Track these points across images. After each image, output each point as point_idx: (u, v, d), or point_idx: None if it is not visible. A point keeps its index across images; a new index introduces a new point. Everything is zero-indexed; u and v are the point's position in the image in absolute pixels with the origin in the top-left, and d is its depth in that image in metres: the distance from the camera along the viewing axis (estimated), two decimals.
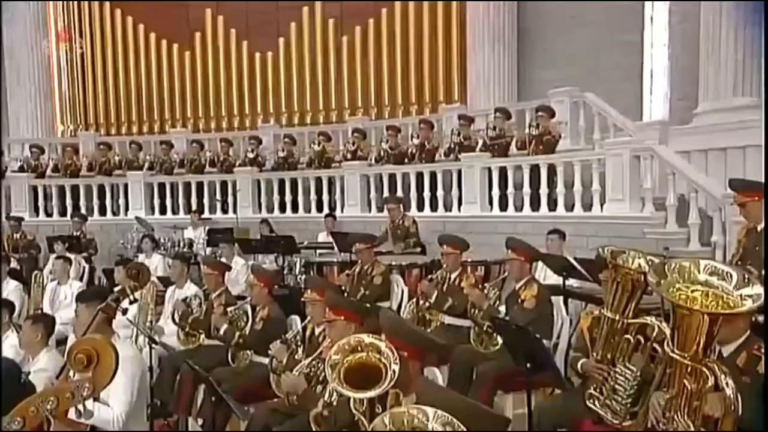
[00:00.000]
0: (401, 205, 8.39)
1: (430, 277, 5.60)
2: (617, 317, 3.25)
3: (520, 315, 4.52)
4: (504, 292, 5.04)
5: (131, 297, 3.21)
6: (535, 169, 8.38)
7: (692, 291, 2.51)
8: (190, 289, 6.06)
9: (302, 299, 4.31)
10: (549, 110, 8.65)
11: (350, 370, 2.47)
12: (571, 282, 5.43)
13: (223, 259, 7.05)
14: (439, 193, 9.49)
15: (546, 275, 6.13)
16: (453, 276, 5.51)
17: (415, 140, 9.99)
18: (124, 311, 3.23)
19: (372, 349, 2.50)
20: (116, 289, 6.13)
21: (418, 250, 8.21)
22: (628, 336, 3.20)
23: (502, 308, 4.87)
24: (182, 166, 11.99)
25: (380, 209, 9.99)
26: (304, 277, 8.36)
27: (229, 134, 13.11)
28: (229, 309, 5.04)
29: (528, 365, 3.10)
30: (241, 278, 7.40)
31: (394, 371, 2.37)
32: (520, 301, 4.63)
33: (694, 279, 2.53)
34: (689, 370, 2.50)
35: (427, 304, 5.55)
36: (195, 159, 11.88)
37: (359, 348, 2.51)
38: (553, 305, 4.65)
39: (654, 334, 3.07)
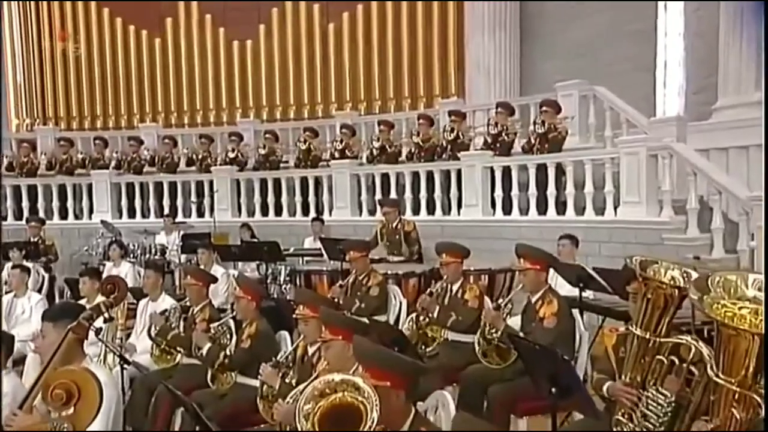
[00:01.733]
0: (398, 209, 8.26)
1: (430, 290, 5.48)
2: (648, 336, 3.17)
3: (540, 335, 4.40)
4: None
5: (106, 315, 3.08)
6: (541, 169, 8.36)
7: (740, 308, 2.44)
8: (165, 301, 5.90)
9: (294, 316, 4.18)
10: (555, 105, 8.62)
11: (326, 415, 2.37)
12: (586, 293, 5.38)
13: (201, 267, 6.89)
14: (437, 194, 9.44)
15: (556, 284, 6.05)
16: (455, 287, 5.41)
17: (415, 138, 9.91)
18: (98, 331, 3.10)
19: (347, 387, 2.39)
20: (84, 302, 6.23)
21: (417, 257, 8.12)
22: (660, 357, 3.11)
23: (515, 320, 4.77)
24: (153, 165, 11.89)
25: (372, 212, 9.98)
26: (289, 287, 8.37)
27: (205, 130, 13.08)
28: (212, 325, 4.90)
29: (552, 390, 3.02)
30: (221, 289, 7.26)
31: (375, 408, 2.27)
32: (538, 318, 4.53)
33: (742, 295, 2.47)
34: (737, 397, 2.43)
35: (428, 319, 5.44)
36: (167, 157, 11.81)
37: (330, 390, 2.40)
38: (574, 321, 4.56)
39: (690, 355, 2.99)
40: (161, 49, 14.51)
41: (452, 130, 9.44)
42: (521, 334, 4.38)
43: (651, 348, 3.17)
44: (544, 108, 8.53)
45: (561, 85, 9.38)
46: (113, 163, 12.10)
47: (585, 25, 11.17)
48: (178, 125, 14.17)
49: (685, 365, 3.03)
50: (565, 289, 5.68)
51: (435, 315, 5.35)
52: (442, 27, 13.07)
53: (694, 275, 2.94)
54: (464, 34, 12.58)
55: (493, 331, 4.76)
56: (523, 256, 4.68)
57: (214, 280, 5.84)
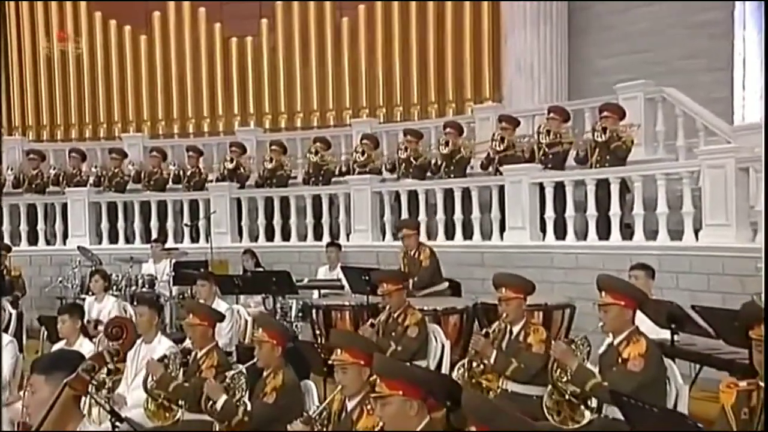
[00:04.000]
0: (418, 232, 8.21)
1: (485, 331, 5.36)
2: None
3: (621, 379, 4.22)
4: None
5: (111, 366, 2.88)
6: (602, 186, 8.20)
7: None
8: (162, 343, 5.76)
9: (331, 362, 3.99)
10: (619, 110, 8.49)
11: None
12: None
13: (202, 302, 6.72)
14: (475, 215, 9.33)
15: None
16: (516, 329, 5.29)
17: (443, 148, 9.78)
18: (102, 386, 2.89)
19: None
20: (64, 344, 6.05)
21: (440, 288, 7.97)
22: None
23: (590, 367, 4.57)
24: (138, 181, 11.85)
25: (396, 236, 9.72)
26: (301, 325, 8.27)
27: (199, 141, 13.00)
28: (227, 374, 4.70)
29: None
30: (224, 328, 7.06)
31: None
32: (620, 360, 4.32)
33: None
34: None
35: (482, 366, 5.30)
36: (155, 172, 11.74)
37: None
38: (666, 368, 4.33)
39: None
40: (147, 48, 14.42)
41: (502, 140, 9.32)
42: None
43: None
44: (605, 113, 8.39)
45: (623, 86, 9.23)
46: (92, 180, 12.06)
47: (646, 16, 11.05)
48: (166, 135, 14.08)
49: None
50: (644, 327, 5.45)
51: (492, 361, 5.17)
52: (476, 20, 12.93)
53: None
54: (501, 28, 12.48)
55: (564, 378, 4.57)
56: (606, 290, 4.50)
57: (221, 318, 5.75)
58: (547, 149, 8.87)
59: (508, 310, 5.28)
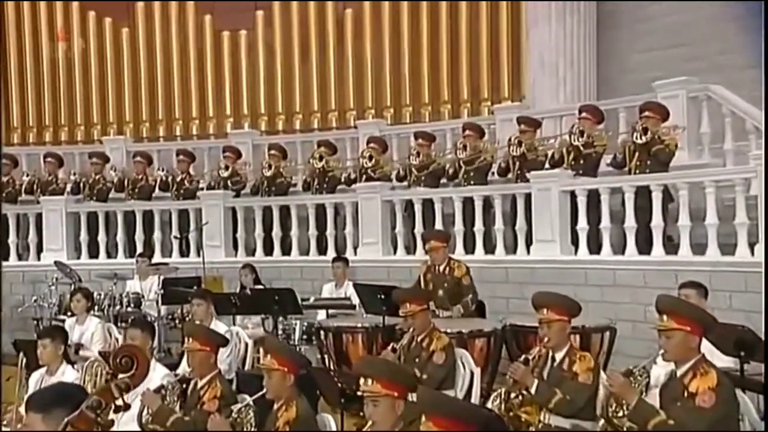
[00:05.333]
0: (447, 245, 8.05)
1: (525, 357, 5.19)
2: None
3: (689, 416, 4.06)
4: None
5: (121, 401, 2.71)
6: (642, 193, 8.10)
7: None
8: (157, 371, 5.63)
9: (360, 392, 3.85)
10: (661, 109, 8.38)
11: None
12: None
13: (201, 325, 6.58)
14: (497, 227, 9.26)
15: None
16: (559, 355, 5.16)
17: (461, 152, 9.72)
18: (109, 426, 2.71)
19: None
20: (44, 373, 5.89)
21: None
22: None
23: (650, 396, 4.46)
24: (121, 189, 11.80)
25: (409, 249, 9.92)
26: (305, 348, 8.18)
27: (188, 144, 12.96)
28: (233, 408, 4.54)
29: None
30: (223, 353, 6.90)
31: None
32: (687, 394, 4.15)
33: None
34: None
35: (521, 397, 5.14)
36: (140, 178, 11.68)
37: None
38: (739, 404, 4.17)
39: None
40: (130, 42, 14.38)
41: (520, 144, 9.25)
42: None
43: None
44: (646, 113, 8.30)
45: (663, 83, 9.16)
46: (69, 187, 12.00)
47: (681, 7, 10.93)
48: (151, 138, 14.07)
49: None
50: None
51: (533, 391, 5.02)
52: (493, 12, 12.88)
53: None
54: (522, 21, 12.43)
55: (621, 413, 4.44)
56: (669, 313, 4.30)
57: (225, 342, 5.59)
58: (582, 149, 8.75)
59: (550, 333, 5.14)
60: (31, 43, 14.66)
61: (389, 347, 6.07)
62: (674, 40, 10.87)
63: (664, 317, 4.31)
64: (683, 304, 4.54)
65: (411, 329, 6.03)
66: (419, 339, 5.98)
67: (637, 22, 11.47)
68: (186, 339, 5.25)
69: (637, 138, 8.22)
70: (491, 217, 9.34)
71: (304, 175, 11.36)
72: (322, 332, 7.51)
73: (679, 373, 4.27)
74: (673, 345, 4.26)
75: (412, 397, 3.79)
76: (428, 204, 9.73)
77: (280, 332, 8.16)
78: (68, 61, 14.58)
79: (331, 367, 7.04)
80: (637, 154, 8.27)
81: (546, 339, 5.15)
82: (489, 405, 5.28)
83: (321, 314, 8.74)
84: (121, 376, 2.83)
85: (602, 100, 10.73)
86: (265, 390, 4.57)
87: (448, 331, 6.52)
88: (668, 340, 4.28)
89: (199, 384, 5.10)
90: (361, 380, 3.91)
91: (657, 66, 10.55)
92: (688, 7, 10.92)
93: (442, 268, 7.81)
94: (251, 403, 4.69)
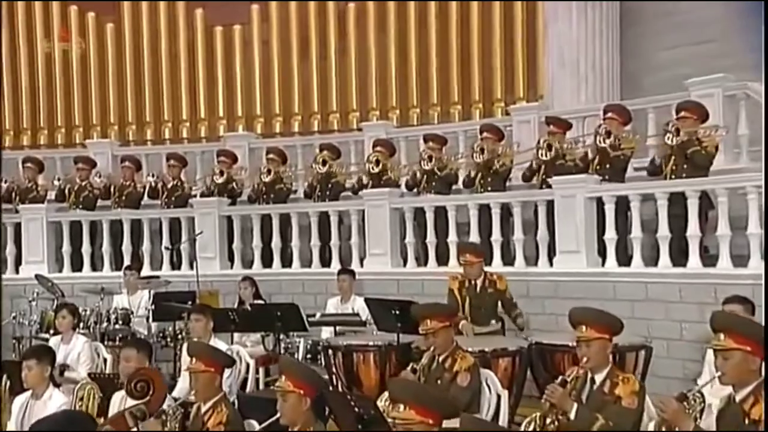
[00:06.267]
0: (483, 259, 8.04)
1: (562, 378, 5.08)
2: None
3: None
4: None
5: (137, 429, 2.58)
6: (677, 201, 8.00)
7: None
8: None
9: (392, 419, 3.73)
10: (699, 109, 8.29)
11: None
12: None
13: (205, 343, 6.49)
14: (517, 237, 9.21)
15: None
16: (599, 377, 5.03)
17: (478, 156, 9.69)
18: None
19: None
20: (29, 397, 5.75)
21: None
22: None
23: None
24: (107, 197, 11.78)
25: (420, 261, 9.93)
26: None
27: (178, 147, 12.99)
28: None
29: None
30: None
31: None
32: (748, 420, 4.04)
33: None
34: None
35: (558, 422, 5.00)
36: (127, 185, 11.69)
37: None
38: None
39: None
40: (115, 38, 14.42)
41: (549, 147, 9.16)
42: None
43: None
44: (683, 113, 8.23)
45: (696, 81, 9.08)
46: (51, 195, 11.95)
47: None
48: (138, 142, 14.12)
49: None
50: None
51: (572, 416, 4.88)
52: (507, 6, 12.93)
53: None
54: (538, 16, 12.46)
55: None
56: (726, 331, 4.19)
57: (231, 362, 5.60)
58: (611, 151, 8.69)
59: (589, 353, 5.01)
60: (7, 40, 14.62)
61: (409, 367, 6.01)
62: (702, 35, 10.84)
63: (721, 336, 4.19)
64: (742, 321, 4.41)
65: (432, 348, 5.95)
66: (441, 359, 5.90)
67: (660, 17, 11.46)
68: (189, 359, 5.15)
69: (669, 140, 8.13)
70: (510, 226, 9.29)
71: (305, 181, 11.35)
72: (330, 351, 7.43)
73: (738, 397, 4.15)
74: (731, 366, 4.13)
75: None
76: (441, 212, 9.67)
77: (282, 351, 8.18)
78: (48, 59, 14.59)
79: (340, 389, 6.96)
80: (673, 158, 8.20)
81: (585, 359, 5.02)
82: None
83: (325, 332, 8.74)
84: (134, 402, 2.68)
85: (626, 99, 10.67)
86: (279, 415, 4.49)
87: (470, 349, 6.44)
88: (725, 362, 4.15)
89: (203, 408, 5.01)
90: (391, 405, 3.89)
91: (683, 63, 10.53)
92: (716, 2, 10.91)
93: (479, 282, 7.84)
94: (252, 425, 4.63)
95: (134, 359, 5.56)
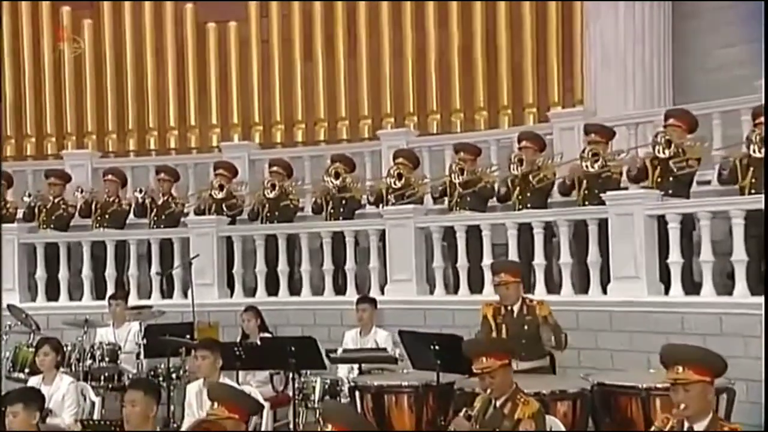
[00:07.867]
0: (522, 281, 7.85)
1: (657, 429, 4.98)
2: None
3: None
4: None
5: None
6: (753, 220, 7.83)
7: None
8: None
9: None
10: None
11: None
12: None
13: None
14: (563, 261, 9.10)
15: None
16: (699, 427, 4.84)
17: (516, 168, 9.66)
18: None
19: None
20: None
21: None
22: None
23: None
24: (88, 215, 11.76)
25: (450, 288, 9.84)
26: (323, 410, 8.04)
27: (167, 159, 13.04)
28: None
29: None
30: None
31: None
32: None
33: None
34: None
35: None
36: (111, 201, 11.66)
37: None
38: None
39: None
40: (93, 36, 14.46)
41: (594, 157, 9.10)
42: None
43: None
44: (758, 120, 8.13)
45: None
46: (22, 213, 11.99)
47: None
48: (119, 153, 14.18)
49: None
50: None
51: None
52: (539, 4, 12.95)
53: None
54: (576, 11, 12.45)
55: None
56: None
57: (259, 408, 5.60)
58: (672, 164, 8.62)
59: (687, 399, 4.80)
60: None
61: (462, 413, 5.79)
62: (761, 31, 10.66)
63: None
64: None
65: (488, 390, 5.77)
66: (499, 403, 5.74)
67: (717, 10, 11.52)
68: (211, 405, 4.96)
69: (753, 150, 8.06)
70: (554, 248, 9.21)
71: (313, 196, 11.29)
72: (357, 393, 7.35)
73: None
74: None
75: None
76: (473, 231, 9.60)
77: (297, 391, 8.04)
78: (17, 61, 14.60)
79: None
80: (752, 169, 8.11)
81: (683, 406, 4.83)
82: None
83: (342, 369, 8.63)
84: None
85: (679, 104, 10.62)
86: None
87: (524, 391, 6.18)
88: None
89: None
90: None
91: (744, 62, 10.65)
92: None
93: (516, 308, 7.64)
94: None
95: (140, 403, 5.54)
